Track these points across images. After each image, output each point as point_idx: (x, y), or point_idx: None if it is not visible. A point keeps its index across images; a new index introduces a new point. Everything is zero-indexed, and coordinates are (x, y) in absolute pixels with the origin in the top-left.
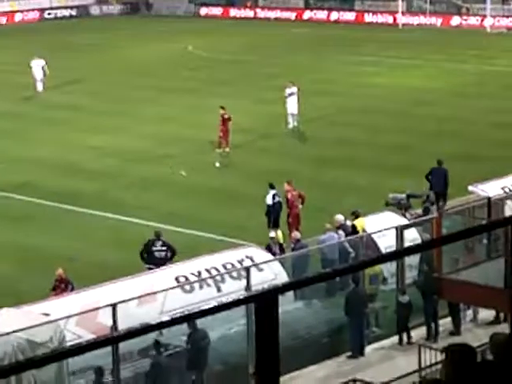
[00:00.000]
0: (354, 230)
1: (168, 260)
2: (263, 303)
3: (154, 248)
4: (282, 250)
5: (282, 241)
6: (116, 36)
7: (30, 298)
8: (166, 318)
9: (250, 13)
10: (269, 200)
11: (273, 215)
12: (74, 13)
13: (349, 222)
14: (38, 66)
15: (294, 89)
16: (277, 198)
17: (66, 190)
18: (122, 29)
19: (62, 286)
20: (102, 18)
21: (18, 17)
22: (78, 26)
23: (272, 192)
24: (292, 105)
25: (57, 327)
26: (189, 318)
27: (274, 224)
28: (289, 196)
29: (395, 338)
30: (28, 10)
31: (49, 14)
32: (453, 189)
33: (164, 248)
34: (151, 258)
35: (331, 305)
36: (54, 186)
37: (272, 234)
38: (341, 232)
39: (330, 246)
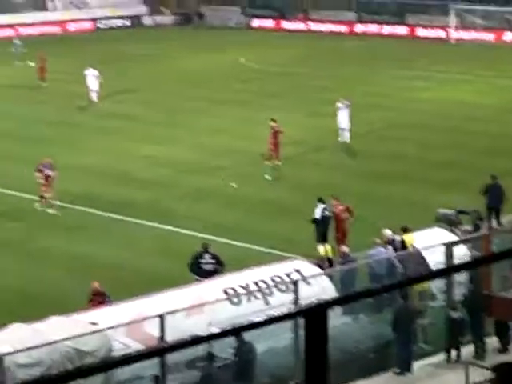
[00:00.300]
0: (403, 245)
1: (216, 273)
2: (313, 317)
3: (202, 260)
4: (331, 265)
5: (330, 255)
6: (168, 46)
7: (79, 306)
8: (216, 330)
9: (301, 25)
10: (317, 214)
11: (321, 229)
12: (127, 23)
13: (398, 237)
14: (92, 76)
15: (345, 104)
16: (326, 212)
17: (118, 200)
18: (175, 39)
19: (98, 299)
20: (155, 28)
21: (71, 26)
22: (131, 36)
23: (321, 206)
24: (342, 120)
25: (105, 337)
26: (239, 331)
27: (322, 238)
28: (335, 211)
29: (443, 355)
30: (81, 20)
31: (102, 23)
32: (505, 205)
33: (212, 261)
34: (199, 270)
35: (379, 320)
36: (107, 195)
37: (320, 248)
38: (389, 247)
39: (379, 261)
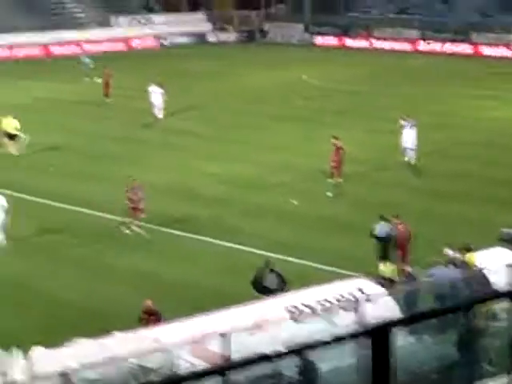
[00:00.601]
0: (466, 265)
1: (279, 290)
2: (378, 337)
3: (264, 277)
4: (392, 284)
5: (392, 274)
6: (232, 63)
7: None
8: (281, 349)
9: (364, 43)
10: (380, 232)
11: (382, 248)
12: (190, 40)
13: (460, 256)
14: (155, 92)
15: (411, 122)
16: (387, 231)
17: (182, 216)
18: (238, 56)
19: (150, 318)
20: (219, 45)
21: (135, 43)
22: (195, 53)
23: (383, 224)
24: (408, 138)
25: (169, 354)
26: (305, 350)
27: (384, 257)
28: (399, 229)
29: (506, 377)
30: (146, 37)
31: (166, 40)
32: None
33: (274, 277)
34: (262, 288)
35: (443, 340)
36: (171, 211)
37: (381, 266)
38: (451, 266)
39: (441, 280)
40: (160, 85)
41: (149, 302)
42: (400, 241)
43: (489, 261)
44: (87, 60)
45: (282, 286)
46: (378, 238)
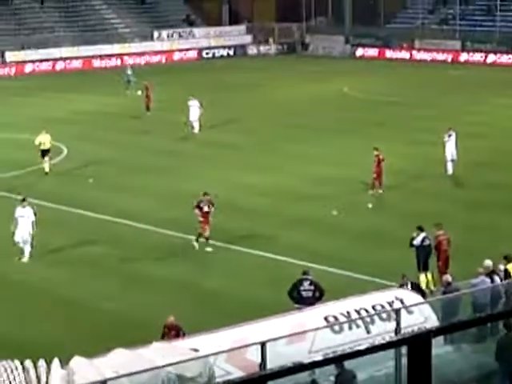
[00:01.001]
0: (507, 274)
1: (316, 300)
2: (416, 346)
3: (302, 287)
4: (423, 295)
5: (431, 284)
6: (272, 76)
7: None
8: (318, 358)
9: (405, 54)
10: (418, 242)
11: (422, 258)
12: (231, 52)
13: (502, 267)
14: (193, 106)
15: (452, 134)
16: (427, 241)
17: (222, 227)
18: (278, 69)
19: (171, 333)
20: (259, 57)
21: (176, 55)
22: (235, 65)
23: (422, 235)
24: (449, 150)
25: (206, 363)
26: (343, 359)
27: (423, 267)
28: (438, 239)
29: None
30: (187, 49)
31: (207, 53)
32: None
33: (312, 287)
34: (299, 298)
35: (481, 350)
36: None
37: (422, 276)
38: (496, 277)
39: (482, 291)
40: (198, 98)
41: (172, 318)
42: (440, 251)
43: None
44: (130, 73)
45: (318, 295)
46: (416, 247)
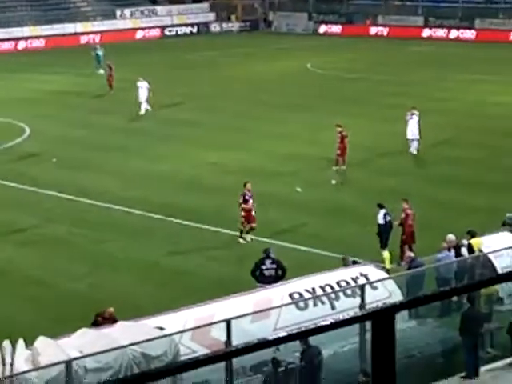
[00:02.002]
0: (471, 249)
1: (278, 278)
2: (380, 321)
3: (264, 266)
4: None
5: (388, 262)
6: (235, 53)
7: (147, 311)
8: (282, 334)
9: (369, 31)
10: (380, 219)
11: (384, 235)
12: (194, 30)
13: (465, 242)
14: (142, 87)
15: (415, 114)
16: (388, 217)
17: (185, 206)
18: (242, 46)
19: (103, 322)
20: (222, 35)
21: (139, 34)
22: (198, 43)
23: (382, 211)
24: (410, 129)
25: (171, 341)
26: (306, 335)
27: (384, 244)
28: (406, 212)
29: (510, 360)
30: (150, 28)
31: (169, 31)
32: None
33: (274, 266)
34: (262, 277)
35: (446, 324)
36: (173, 201)
37: (385, 253)
38: (463, 249)
39: (446, 265)
40: (145, 80)
41: (111, 309)
42: (406, 224)
43: (493, 245)
44: (99, 53)
45: (280, 273)
46: (379, 225)
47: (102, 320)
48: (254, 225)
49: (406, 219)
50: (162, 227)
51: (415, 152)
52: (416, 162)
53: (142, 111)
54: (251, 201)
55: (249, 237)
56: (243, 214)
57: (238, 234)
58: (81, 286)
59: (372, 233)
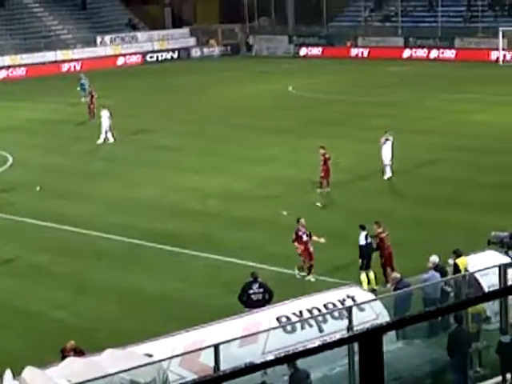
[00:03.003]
0: (456, 268)
1: (265, 303)
2: (367, 342)
3: (251, 291)
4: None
5: (373, 283)
6: (216, 77)
7: (133, 338)
8: (270, 357)
9: (349, 52)
10: (361, 241)
11: (366, 257)
12: (175, 55)
13: (451, 261)
14: (104, 116)
15: (389, 139)
16: (369, 239)
17: (168, 231)
18: (223, 70)
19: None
20: (204, 59)
21: (120, 60)
22: (179, 68)
23: (363, 233)
24: (384, 154)
25: (160, 368)
26: (294, 358)
27: (366, 265)
28: (380, 236)
29: (499, 379)
30: (131, 54)
31: (150, 57)
32: None
33: (261, 290)
34: (249, 301)
35: (433, 344)
36: (156, 226)
37: (363, 275)
38: (436, 273)
39: (433, 285)
40: (106, 108)
41: (72, 342)
42: (383, 247)
43: (479, 264)
44: (83, 81)
45: (267, 297)
46: (361, 246)
47: (67, 353)
48: (312, 262)
49: (381, 243)
50: (145, 253)
51: (387, 176)
52: (399, 183)
53: (101, 140)
54: (305, 237)
55: (311, 276)
56: (299, 251)
57: (303, 273)
58: (64, 314)
59: (357, 254)
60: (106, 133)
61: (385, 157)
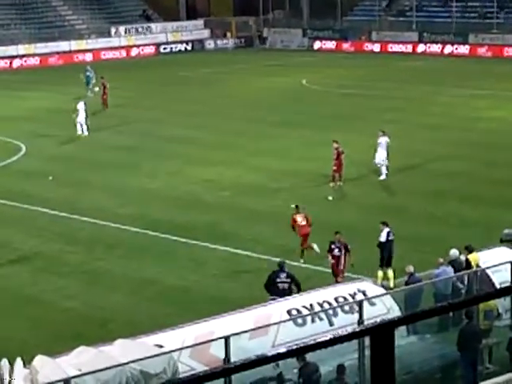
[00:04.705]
0: (468, 264)
1: (290, 293)
2: (379, 336)
3: (278, 279)
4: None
5: (391, 281)
6: (230, 70)
7: (144, 328)
8: (282, 350)
9: (363, 46)
10: (382, 237)
11: (386, 253)
12: (189, 47)
13: (463, 257)
14: (80, 109)
15: (384, 138)
16: (391, 236)
17: (180, 223)
18: (236, 62)
19: None
20: (217, 52)
21: (134, 51)
22: (193, 60)
23: (386, 230)
24: (378, 154)
25: (170, 359)
26: (306, 350)
27: (387, 262)
28: (293, 217)
29: (509, 375)
30: (145, 45)
31: (164, 48)
32: None
33: (288, 280)
34: (275, 290)
35: (444, 340)
36: (168, 218)
37: (380, 273)
38: (450, 268)
39: (444, 281)
40: (83, 100)
41: None
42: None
43: (491, 260)
44: (89, 74)
45: (294, 287)
46: (380, 243)
47: None
48: (339, 279)
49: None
50: (157, 244)
51: (382, 178)
52: (412, 177)
53: (79, 132)
54: (337, 251)
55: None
56: (330, 263)
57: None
58: (76, 303)
59: (370, 249)
60: (81, 125)
61: (376, 157)
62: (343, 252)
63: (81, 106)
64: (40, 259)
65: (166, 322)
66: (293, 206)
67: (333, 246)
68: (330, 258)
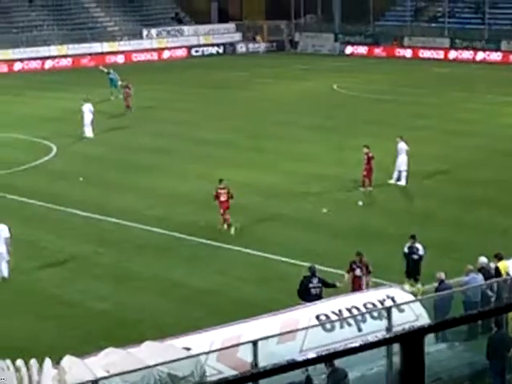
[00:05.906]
0: (498, 272)
1: (321, 298)
2: (409, 344)
3: (311, 285)
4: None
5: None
6: (261, 73)
7: (173, 331)
8: (311, 355)
9: (394, 52)
10: (405, 248)
11: (410, 266)
12: (220, 50)
13: (492, 265)
14: (86, 111)
15: (403, 144)
16: (415, 253)
17: (208, 225)
18: (267, 66)
19: None
20: (249, 55)
21: (166, 54)
22: (225, 63)
23: (408, 243)
24: (401, 161)
25: (198, 362)
26: (335, 356)
27: (411, 275)
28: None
29: None
30: (176, 47)
31: (196, 51)
32: None
33: (319, 284)
34: (307, 295)
35: (473, 348)
36: (196, 220)
37: (407, 285)
38: (480, 275)
39: (473, 288)
40: (89, 102)
41: None
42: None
43: None
44: (113, 76)
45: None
46: (403, 253)
47: None
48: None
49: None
50: (185, 246)
51: (404, 183)
52: (442, 184)
53: (87, 134)
54: (359, 271)
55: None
56: (345, 279)
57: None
58: (106, 305)
59: (399, 254)
60: (86, 126)
61: (400, 163)
62: (365, 272)
63: (86, 107)
64: (71, 260)
65: (192, 325)
66: (325, 210)
67: (354, 266)
68: (347, 277)
